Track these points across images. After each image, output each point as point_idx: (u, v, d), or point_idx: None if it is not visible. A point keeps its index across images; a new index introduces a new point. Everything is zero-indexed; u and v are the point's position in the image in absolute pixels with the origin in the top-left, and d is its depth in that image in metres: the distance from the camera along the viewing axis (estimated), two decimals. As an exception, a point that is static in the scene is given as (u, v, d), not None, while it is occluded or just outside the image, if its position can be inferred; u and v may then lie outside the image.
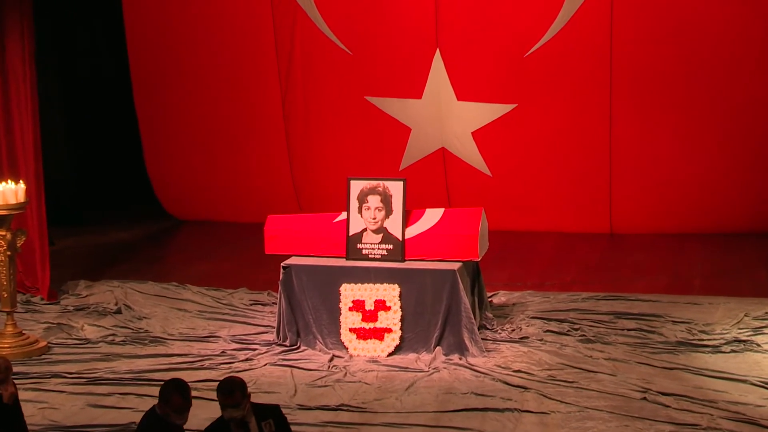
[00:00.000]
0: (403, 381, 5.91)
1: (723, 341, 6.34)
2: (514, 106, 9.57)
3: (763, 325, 6.63)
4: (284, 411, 4.49)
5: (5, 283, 6.53)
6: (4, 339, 6.53)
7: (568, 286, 7.92)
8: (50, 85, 10.03)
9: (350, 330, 6.35)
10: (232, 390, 4.23)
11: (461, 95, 9.67)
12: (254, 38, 10.20)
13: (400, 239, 6.40)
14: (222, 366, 6.20)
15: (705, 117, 9.23)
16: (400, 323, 6.31)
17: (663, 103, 9.29)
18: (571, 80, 9.41)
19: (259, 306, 7.48)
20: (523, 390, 5.70)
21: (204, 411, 5.14)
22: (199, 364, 6.25)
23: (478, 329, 6.42)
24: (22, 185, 6.57)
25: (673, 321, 6.78)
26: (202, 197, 10.88)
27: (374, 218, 6.42)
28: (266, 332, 6.81)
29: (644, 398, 5.54)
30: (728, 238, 9.19)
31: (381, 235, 6.43)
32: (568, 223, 9.72)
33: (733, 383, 5.72)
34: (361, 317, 6.32)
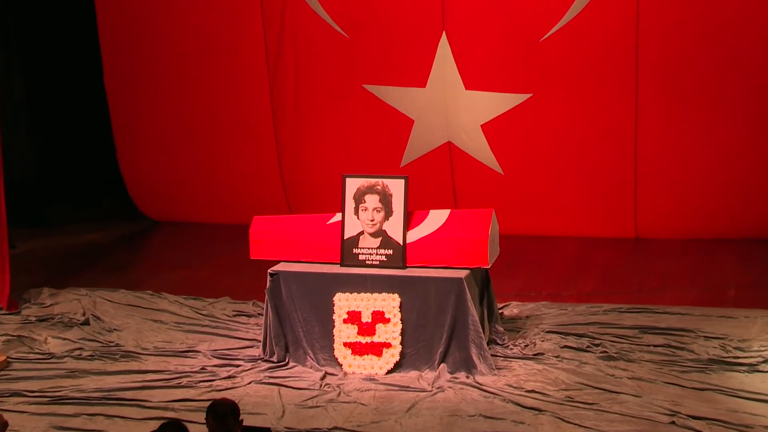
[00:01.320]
0: (404, 402, 5.91)
1: (761, 359, 6.33)
2: (529, 96, 9.56)
3: (806, 341, 6.63)
4: (271, 434, 4.48)
5: (-40, 290, 6.53)
6: (-41, 353, 6.53)
7: (588, 296, 7.92)
8: (12, 76, 10.07)
9: (345, 344, 6.34)
10: (224, 414, 4.23)
11: (470, 84, 9.66)
12: (239, 20, 10.21)
13: (401, 244, 6.39)
14: (201, 384, 6.19)
15: (740, 111, 9.22)
16: (400, 337, 6.31)
17: (694, 94, 9.28)
18: (592, 68, 9.40)
19: (244, 317, 7.48)
20: (537, 412, 5.69)
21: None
22: (176, 381, 6.24)
23: (488, 344, 6.41)
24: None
25: (705, 336, 6.77)
26: (180, 196, 10.89)
27: (372, 220, 6.42)
28: (251, 346, 6.80)
29: (672, 422, 5.53)
30: (766, 245, 9.19)
31: (380, 238, 6.42)
32: (588, 227, 9.71)
33: (771, 406, 5.72)
34: (356, 330, 6.31)
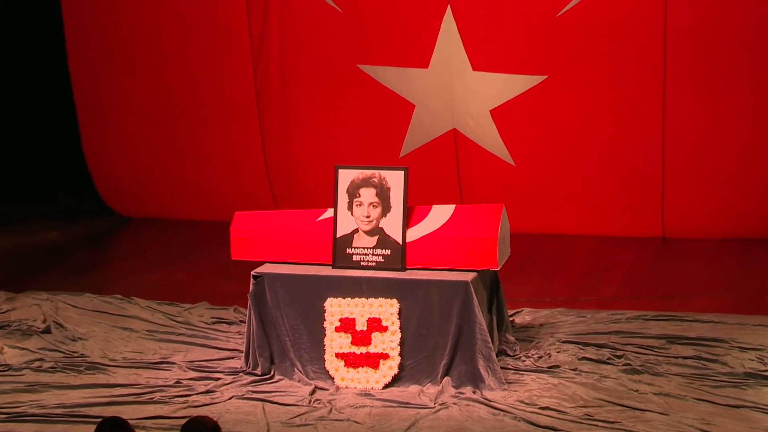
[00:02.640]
0: (403, 420, 5.91)
1: (802, 373, 6.35)
2: (544, 78, 9.57)
3: None
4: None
5: None
6: None
7: (609, 302, 7.93)
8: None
9: (337, 355, 6.34)
10: (202, 433, 4.24)
11: (478, 64, 9.67)
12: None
13: (400, 243, 6.40)
14: (176, 399, 6.19)
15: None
16: (399, 347, 6.31)
17: (729, 79, 9.28)
18: (614, 46, 9.40)
19: (224, 325, 7.48)
20: (552, 432, 5.70)
21: (153, 455, 5.13)
22: (147, 397, 6.24)
23: (497, 355, 6.42)
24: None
25: (740, 347, 6.78)
26: (153, 190, 10.89)
27: (368, 216, 6.42)
28: (232, 358, 6.81)
29: (703, 443, 5.55)
30: (808, 245, 9.22)
31: (376, 237, 6.42)
32: (610, 225, 9.72)
33: (814, 425, 5.72)
34: (350, 340, 6.32)
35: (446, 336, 6.27)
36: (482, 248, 6.34)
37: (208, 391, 6.29)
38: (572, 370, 6.47)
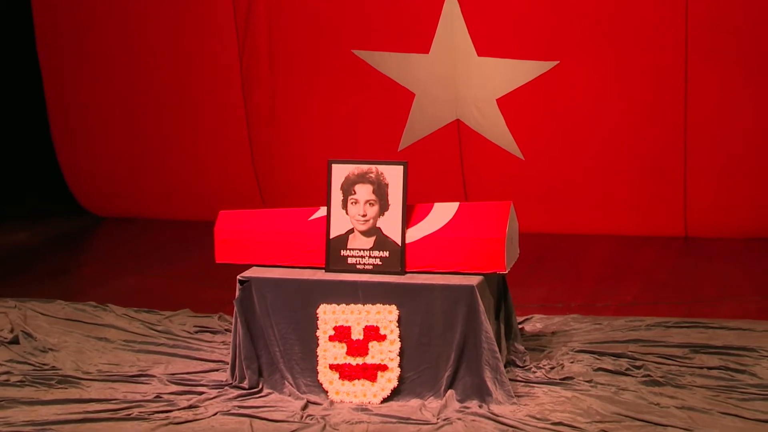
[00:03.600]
0: (403, 437, 5.91)
1: (838, 384, 6.36)
2: (556, 63, 9.58)
3: None
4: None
5: None
6: None
7: (628, 308, 7.94)
8: None
9: (331, 367, 6.35)
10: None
11: (483, 49, 9.68)
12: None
13: (399, 244, 6.40)
14: (156, 416, 6.19)
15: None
16: (398, 358, 6.31)
17: (757, 63, 9.29)
18: (632, 30, 9.42)
19: (207, 334, 7.49)
20: (565, 449, 5.71)
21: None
22: (125, 413, 6.24)
23: (505, 366, 6.42)
24: None
25: (770, 356, 6.81)
26: (130, 187, 10.91)
27: (364, 215, 6.42)
28: (217, 370, 6.80)
29: (730, 461, 5.55)
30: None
31: (373, 238, 6.43)
32: (628, 224, 9.74)
33: None
34: (345, 350, 6.32)
35: (450, 345, 6.27)
36: (488, 249, 6.34)
37: (190, 407, 6.28)
38: (587, 382, 6.47)
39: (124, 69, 10.61)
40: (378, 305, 6.30)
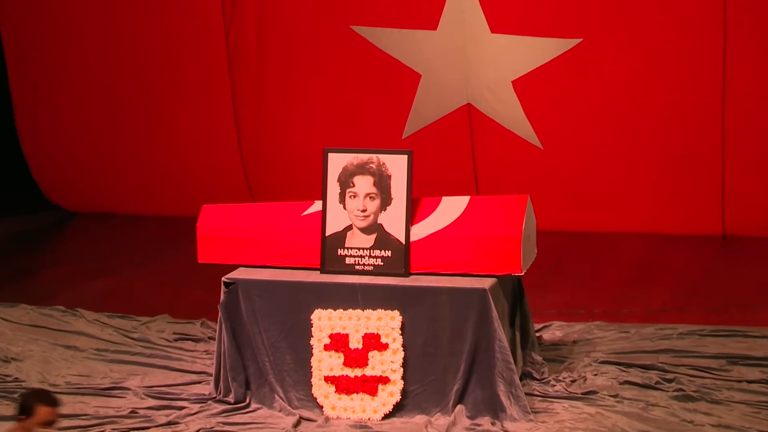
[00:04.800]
0: (407, 457, 5.93)
1: None
2: (578, 41, 9.57)
3: None
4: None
5: None
6: None
7: (658, 314, 7.94)
8: None
9: (326, 379, 6.35)
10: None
11: (497, 25, 9.67)
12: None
13: (403, 242, 6.40)
14: (132, 433, 6.21)
15: None
16: (401, 369, 6.31)
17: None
18: (663, 4, 9.40)
19: (189, 342, 7.49)
20: (588, 472, 5.73)
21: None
22: (96, 429, 6.24)
23: (521, 379, 6.42)
24: None
25: (817, 369, 6.81)
26: (104, 179, 10.91)
27: (364, 210, 6.42)
28: (199, 382, 6.81)
29: (772, 485, 5.56)
30: None
31: (374, 235, 6.43)
32: (659, 221, 9.74)
33: None
34: (342, 360, 6.32)
35: (459, 355, 6.27)
36: (503, 249, 6.34)
37: (169, 423, 6.29)
38: (612, 396, 6.47)
39: (96, 49, 10.60)
40: (379, 311, 6.30)
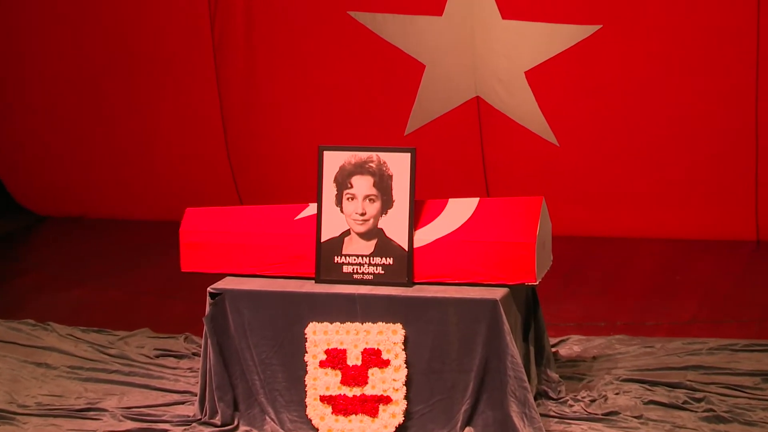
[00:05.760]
0: (410, 485, 5.93)
1: None
2: (598, 28, 9.57)
3: None
4: None
5: None
6: None
7: (685, 327, 7.94)
8: None
9: (322, 399, 6.35)
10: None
11: (508, 10, 9.68)
12: None
13: (406, 249, 6.39)
14: (108, 458, 6.22)
15: None
16: (404, 388, 6.31)
17: None
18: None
19: (171, 359, 7.49)
20: (609, 500, 5.72)
21: None
22: (69, 455, 6.26)
23: (535, 398, 6.42)
24: None
25: None
26: (79, 181, 10.93)
27: (362, 214, 6.42)
28: (183, 402, 6.81)
29: None
30: None
31: (374, 241, 6.42)
32: (685, 225, 9.75)
33: None
34: (340, 378, 6.32)
35: (468, 373, 6.27)
36: (515, 256, 6.33)
37: (150, 448, 6.31)
38: (636, 418, 6.47)
39: (66, 38, 10.62)
40: (380, 324, 6.30)
